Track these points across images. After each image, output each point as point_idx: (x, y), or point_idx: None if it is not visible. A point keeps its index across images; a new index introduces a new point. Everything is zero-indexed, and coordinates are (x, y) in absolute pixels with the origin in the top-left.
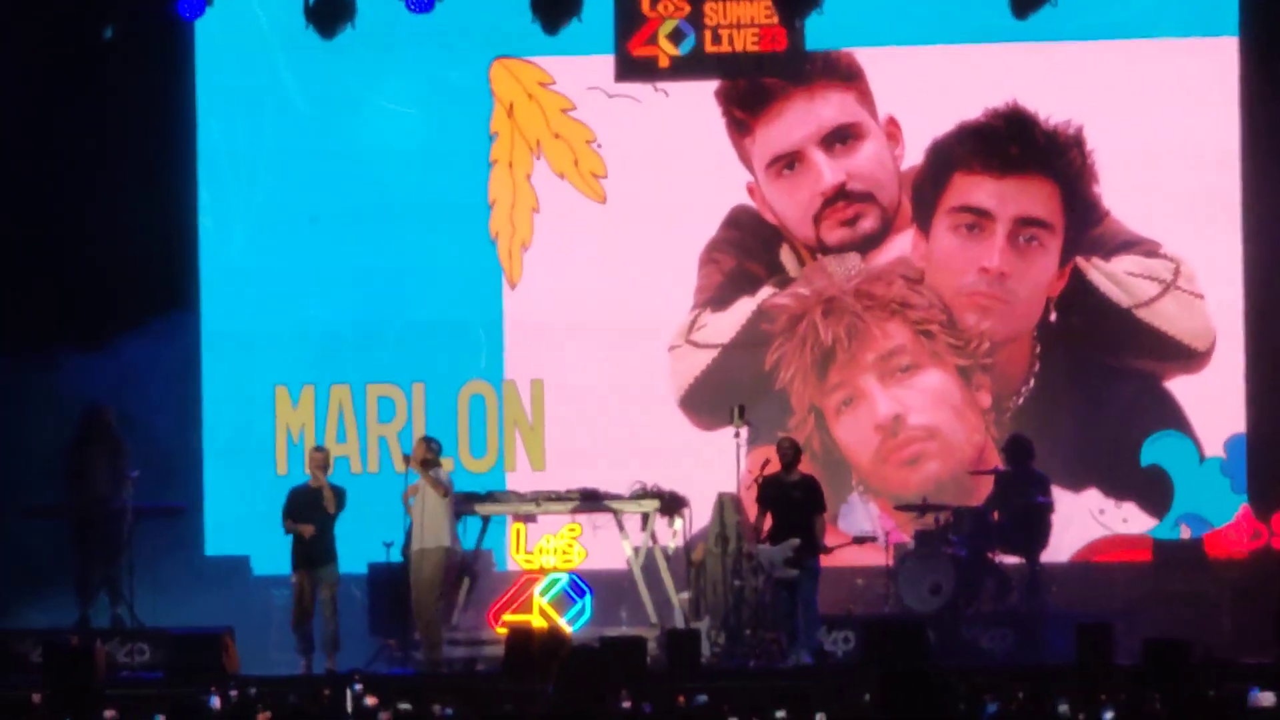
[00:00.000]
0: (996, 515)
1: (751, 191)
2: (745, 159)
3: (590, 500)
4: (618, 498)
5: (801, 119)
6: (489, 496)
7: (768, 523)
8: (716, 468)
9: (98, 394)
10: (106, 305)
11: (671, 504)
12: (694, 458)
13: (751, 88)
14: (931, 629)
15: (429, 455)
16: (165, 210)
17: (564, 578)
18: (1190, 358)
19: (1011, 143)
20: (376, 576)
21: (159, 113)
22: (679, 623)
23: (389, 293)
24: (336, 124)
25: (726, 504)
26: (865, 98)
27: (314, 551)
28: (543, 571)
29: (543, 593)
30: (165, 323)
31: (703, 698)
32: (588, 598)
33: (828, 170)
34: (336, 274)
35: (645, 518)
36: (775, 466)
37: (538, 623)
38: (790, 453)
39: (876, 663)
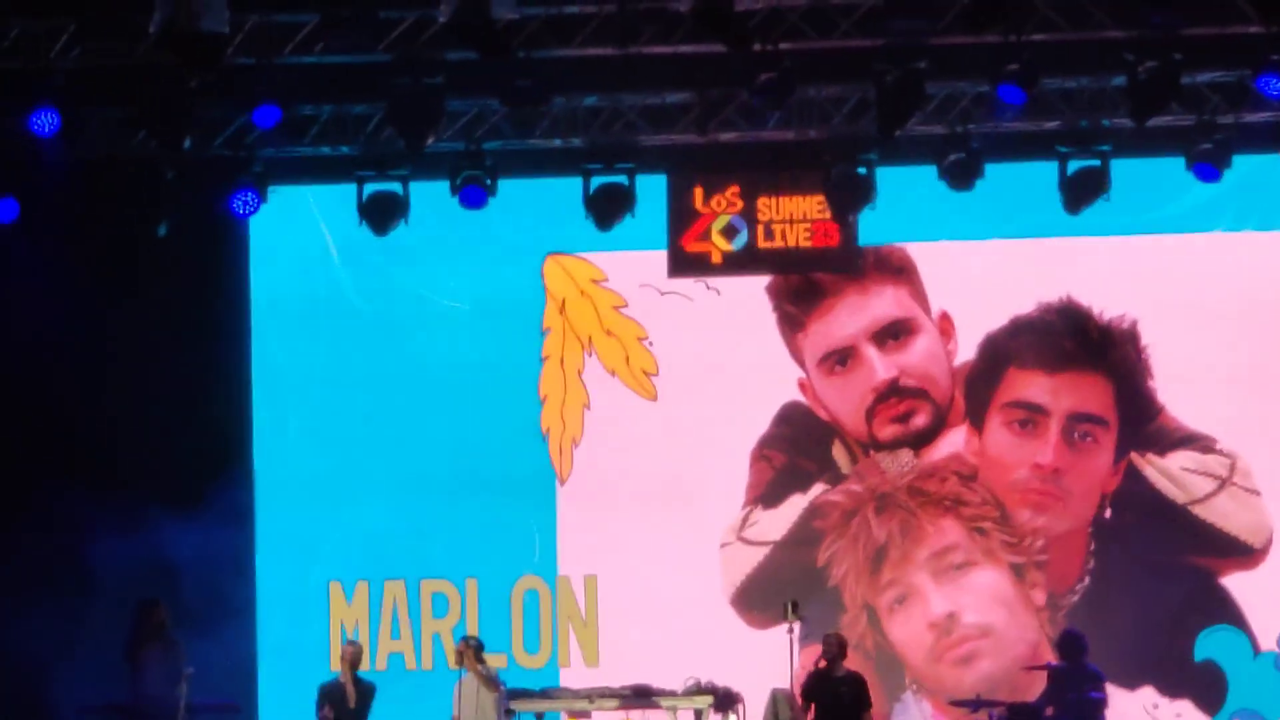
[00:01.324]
0: (1051, 711)
1: (803, 388)
2: (797, 354)
3: (643, 697)
4: (671, 694)
5: (854, 314)
6: (543, 693)
7: (810, 717)
8: (770, 664)
9: (152, 591)
10: (161, 503)
11: (725, 700)
12: (747, 654)
13: (804, 283)
14: None
15: (475, 652)
16: (219, 410)
17: None
18: (1246, 554)
19: (1065, 338)
20: None
21: (213, 310)
22: None
23: (442, 489)
24: (389, 321)
25: (780, 700)
26: (918, 293)
27: None
28: None
29: None
30: (219, 520)
31: None
32: None
33: (880, 366)
34: (390, 472)
35: (699, 714)
36: (823, 663)
37: None
38: (836, 648)
39: None
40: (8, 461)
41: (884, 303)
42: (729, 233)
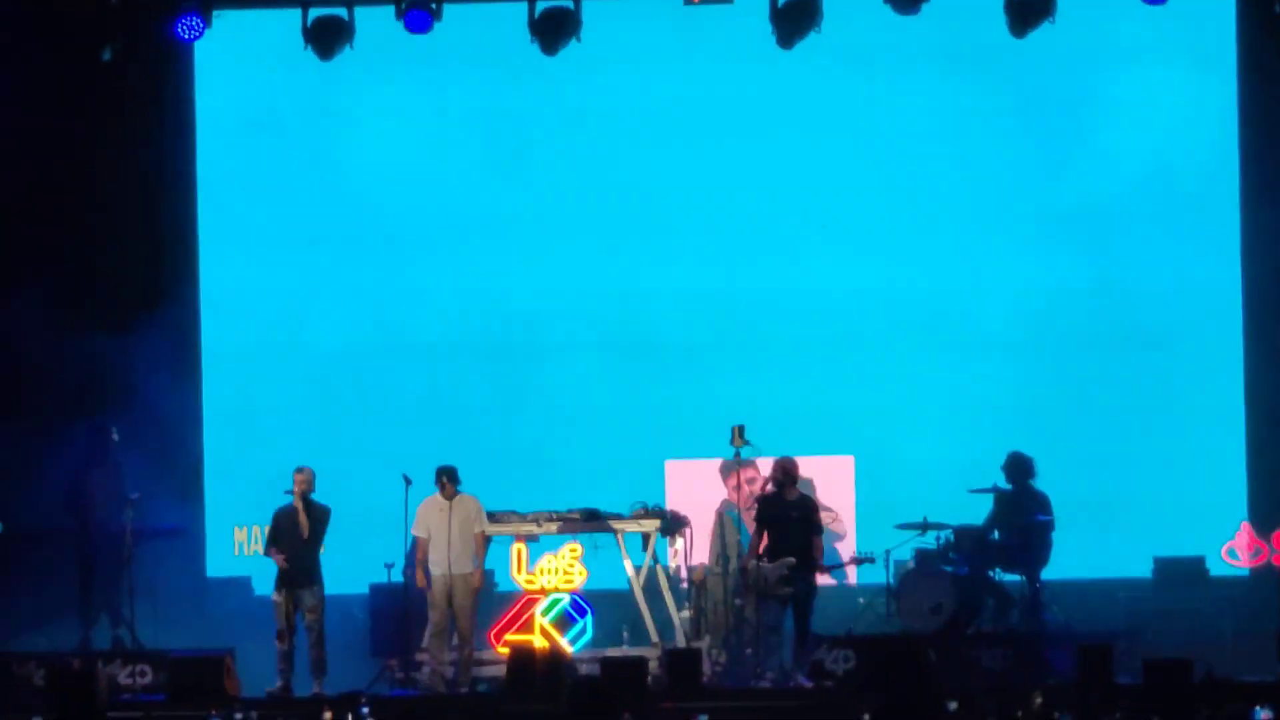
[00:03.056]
0: (997, 534)
1: None
2: None
3: (592, 520)
4: (619, 517)
5: None
6: (490, 517)
7: (764, 541)
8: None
9: (98, 410)
10: (105, 318)
11: (672, 523)
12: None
13: None
14: (932, 648)
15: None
16: (164, 230)
17: (565, 598)
18: None
19: None
20: (378, 597)
21: (158, 136)
22: (680, 642)
23: (388, 310)
24: (332, 143)
25: (727, 523)
26: None
27: (294, 572)
28: (544, 592)
29: (544, 613)
30: (164, 340)
31: (703, 717)
32: (589, 618)
33: None
34: (335, 293)
35: (646, 537)
36: (771, 488)
37: (539, 643)
38: (783, 473)
39: (877, 682)
40: None
41: None
42: None
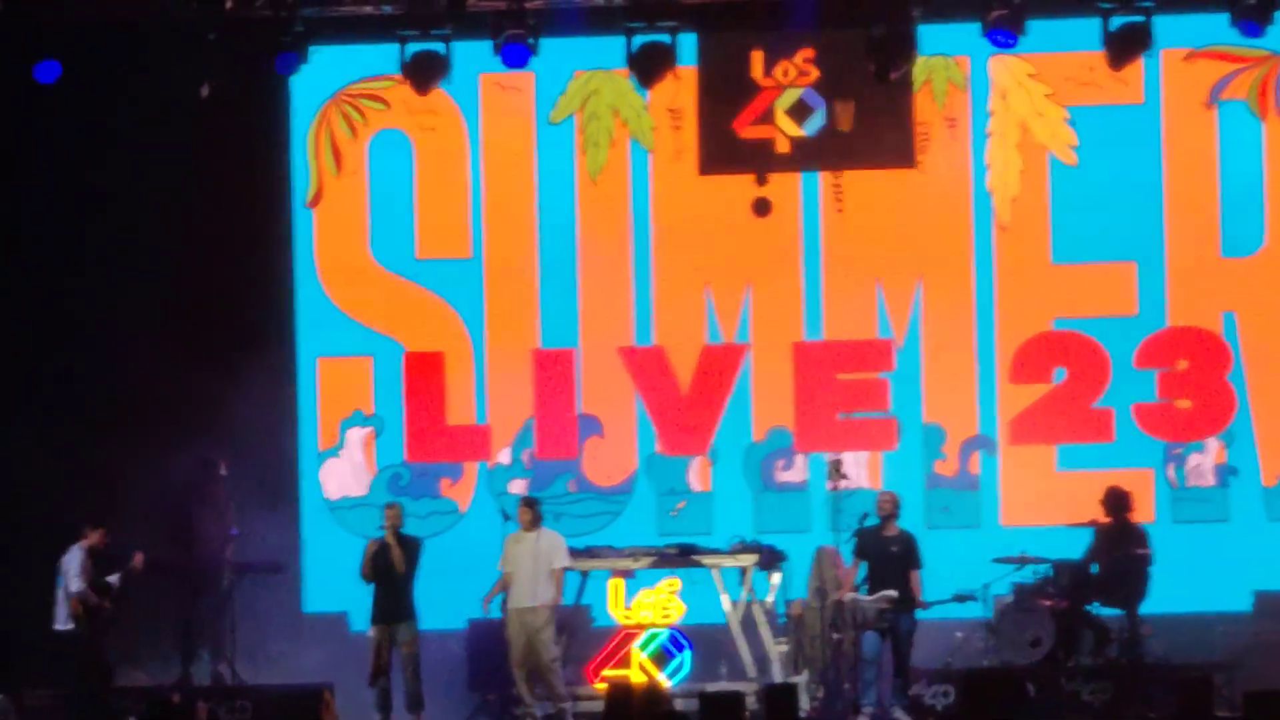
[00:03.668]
0: (1095, 568)
1: None
2: None
3: (689, 555)
4: (716, 552)
5: None
6: (587, 552)
7: (858, 573)
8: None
9: (198, 449)
10: (202, 362)
11: (770, 558)
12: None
13: None
14: (1031, 682)
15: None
16: (261, 264)
17: (663, 633)
18: None
19: None
20: (477, 632)
21: (254, 172)
22: (777, 676)
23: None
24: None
25: (824, 558)
26: None
27: (390, 607)
28: (641, 627)
29: (642, 648)
30: (262, 378)
31: None
32: (687, 652)
33: None
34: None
35: (743, 572)
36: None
37: (637, 678)
38: (890, 506)
39: (977, 716)
40: (56, 314)
41: None
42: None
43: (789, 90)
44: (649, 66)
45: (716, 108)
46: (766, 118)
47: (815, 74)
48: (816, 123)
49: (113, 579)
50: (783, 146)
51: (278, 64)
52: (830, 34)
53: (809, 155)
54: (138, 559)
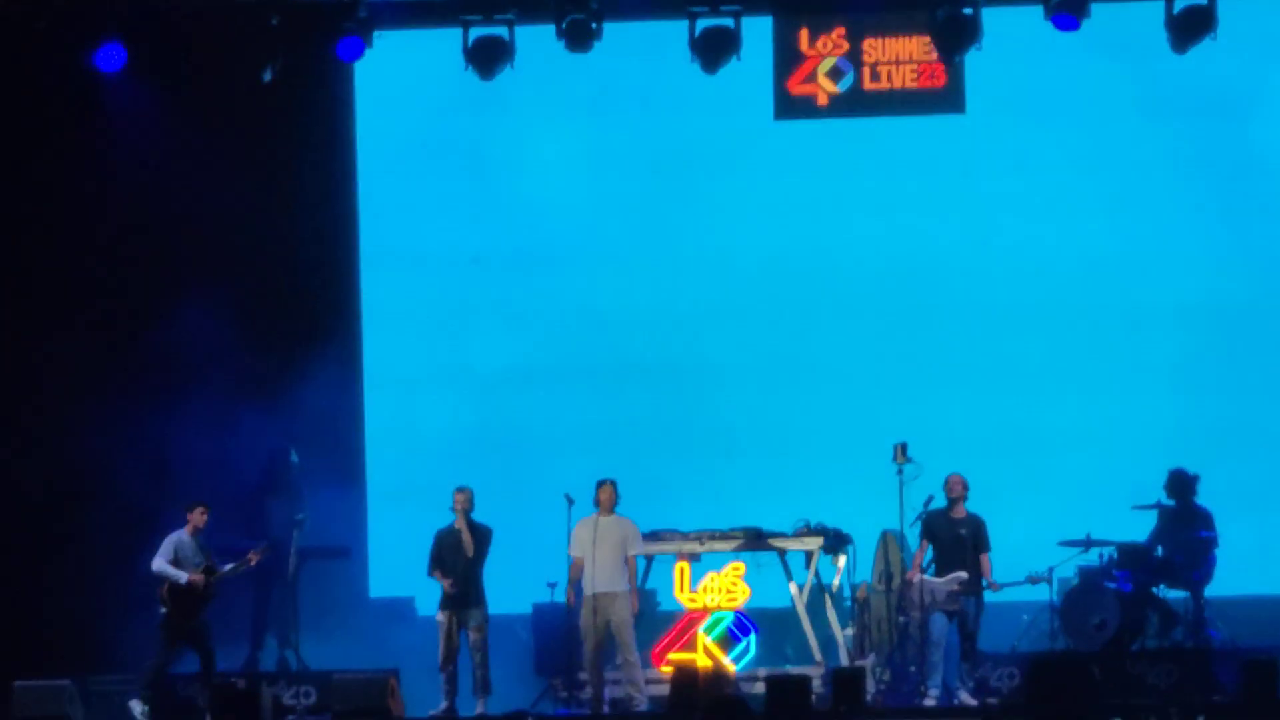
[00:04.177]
0: (1160, 550)
1: None
2: None
3: (754, 538)
4: (782, 535)
5: None
6: (653, 535)
7: (926, 555)
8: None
9: (267, 437)
10: (268, 347)
11: (835, 541)
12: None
13: None
14: (1097, 665)
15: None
16: (326, 249)
17: (728, 616)
18: None
19: None
20: (541, 617)
21: (318, 158)
22: (843, 660)
23: (550, 329)
24: (492, 162)
25: (890, 541)
26: None
27: (459, 592)
28: (707, 610)
29: (707, 631)
30: (327, 364)
31: None
32: (752, 636)
33: None
34: (497, 312)
35: (809, 555)
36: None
37: (702, 662)
38: (960, 488)
39: (1042, 700)
40: (122, 296)
41: None
42: (835, 74)
43: (826, 58)
44: (712, 51)
45: (779, 71)
46: (811, 78)
47: (846, 46)
48: (847, 82)
49: (227, 568)
50: (822, 100)
51: (340, 49)
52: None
53: (840, 107)
54: (252, 556)
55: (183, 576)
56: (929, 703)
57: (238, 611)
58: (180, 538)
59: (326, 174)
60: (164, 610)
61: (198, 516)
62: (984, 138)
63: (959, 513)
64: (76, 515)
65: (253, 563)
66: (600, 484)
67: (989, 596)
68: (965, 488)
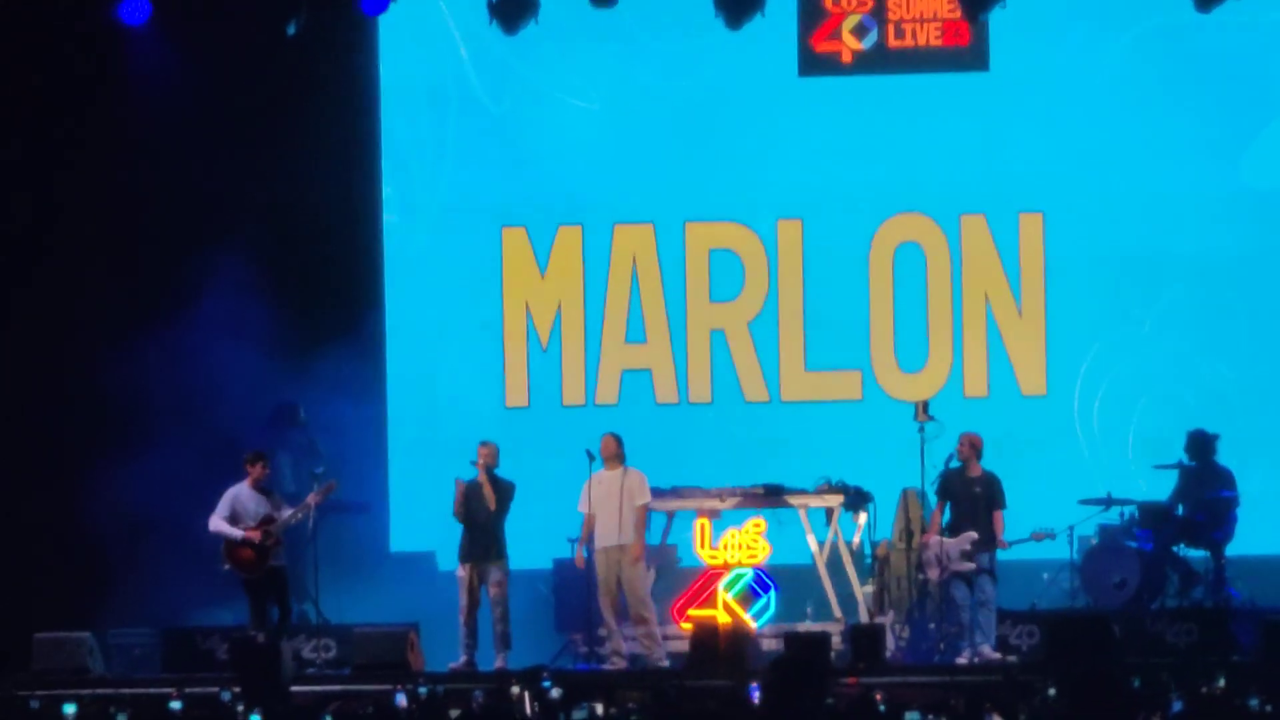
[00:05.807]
0: (1181, 509)
1: None
2: None
3: (775, 495)
4: (802, 492)
5: None
6: (673, 491)
7: (944, 515)
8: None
9: (284, 393)
10: (290, 303)
11: (856, 499)
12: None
13: None
14: (1117, 624)
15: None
16: (349, 205)
17: (749, 573)
18: None
19: None
20: (562, 572)
21: (343, 109)
22: (863, 617)
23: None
24: (518, 118)
25: (910, 499)
26: None
27: (479, 545)
28: (727, 567)
29: (727, 588)
30: (350, 318)
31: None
32: (772, 593)
33: None
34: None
35: (829, 512)
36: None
37: (722, 618)
38: (969, 447)
39: (1062, 658)
40: (141, 253)
41: None
42: (859, 31)
43: (850, 15)
44: (736, 7)
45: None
46: (835, 35)
47: (871, 3)
48: (871, 39)
49: (286, 514)
50: (846, 57)
51: (364, 2)
52: None
53: (864, 64)
54: (313, 499)
55: (238, 534)
56: (960, 660)
57: None
58: (239, 491)
59: (349, 128)
60: (226, 567)
61: (258, 469)
62: (1008, 96)
63: (974, 471)
64: (99, 466)
65: (313, 506)
66: (607, 437)
67: (1008, 554)
68: (973, 447)
